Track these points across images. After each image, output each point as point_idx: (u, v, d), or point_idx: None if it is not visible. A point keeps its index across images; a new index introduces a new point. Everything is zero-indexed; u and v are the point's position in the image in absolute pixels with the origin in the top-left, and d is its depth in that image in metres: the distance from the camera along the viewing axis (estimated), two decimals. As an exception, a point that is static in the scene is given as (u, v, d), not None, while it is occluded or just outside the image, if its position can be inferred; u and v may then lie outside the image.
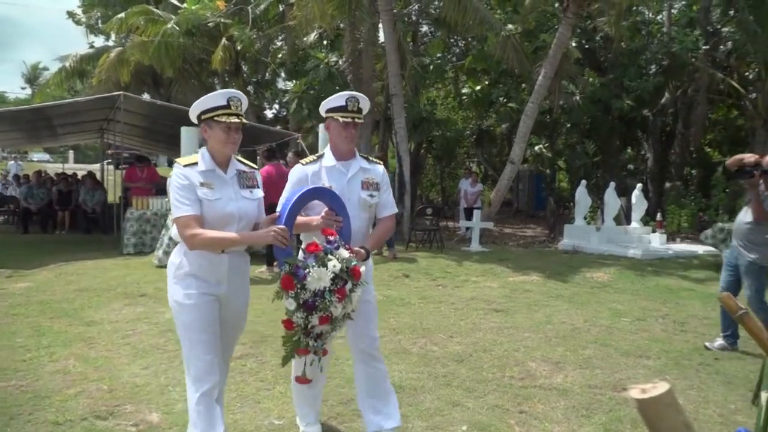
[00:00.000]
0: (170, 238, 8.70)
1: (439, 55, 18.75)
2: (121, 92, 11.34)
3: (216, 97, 2.75)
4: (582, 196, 12.39)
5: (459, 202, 15.49)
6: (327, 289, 2.63)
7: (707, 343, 5.31)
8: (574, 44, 14.21)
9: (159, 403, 3.86)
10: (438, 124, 18.52)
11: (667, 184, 17.90)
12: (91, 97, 12.69)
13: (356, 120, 3.11)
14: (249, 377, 4.35)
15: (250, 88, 20.31)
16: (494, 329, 5.79)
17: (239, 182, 2.83)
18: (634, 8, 16.23)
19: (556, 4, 14.35)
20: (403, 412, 3.74)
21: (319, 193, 2.98)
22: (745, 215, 5.10)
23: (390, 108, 14.06)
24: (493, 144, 22.90)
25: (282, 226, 2.71)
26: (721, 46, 16.39)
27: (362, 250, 2.96)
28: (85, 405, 3.79)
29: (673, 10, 18.77)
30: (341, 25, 14.85)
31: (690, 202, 16.04)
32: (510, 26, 13.87)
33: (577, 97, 16.09)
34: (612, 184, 12.62)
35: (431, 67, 17.45)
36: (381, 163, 3.37)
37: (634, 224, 12.49)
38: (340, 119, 3.08)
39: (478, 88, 17.42)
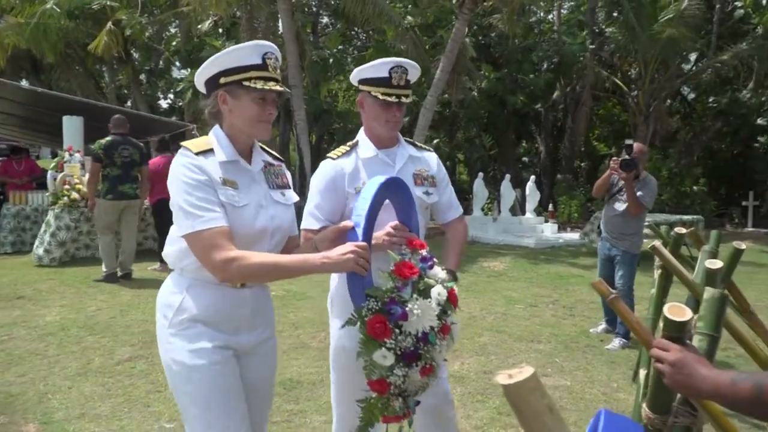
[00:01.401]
0: (51, 235, 8.12)
1: (339, 47, 18.71)
2: (-7, 78, 10.44)
3: (246, 52, 1.84)
4: (479, 188, 12.78)
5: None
6: (433, 328, 1.78)
7: (591, 329, 5.59)
8: (470, 40, 14.57)
9: (36, 412, 3.57)
10: (339, 116, 18.49)
11: (559, 176, 18.83)
12: (-42, 83, 11.61)
13: (402, 99, 2.26)
14: (138, 380, 4.12)
15: (142, 76, 19.39)
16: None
17: (267, 180, 1.97)
18: (527, 7, 16.88)
19: (454, 1, 14.66)
20: (301, 408, 3.69)
21: (395, 187, 2.01)
22: (612, 209, 5.30)
23: (290, 100, 13.86)
24: (395, 137, 23.14)
25: (362, 243, 1.78)
26: (606, 46, 17.39)
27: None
28: (-52, 419, 3.45)
29: (562, 11, 19.73)
30: (238, 13, 14.46)
31: (579, 193, 16.95)
32: (410, 18, 14.03)
33: (475, 92, 16.57)
34: (508, 177, 13.11)
35: (331, 59, 17.39)
36: (432, 149, 2.55)
37: (528, 215, 13.03)
38: (380, 96, 2.23)
39: (379, 79, 17.53)
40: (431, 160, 2.46)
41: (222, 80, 1.84)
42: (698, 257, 2.36)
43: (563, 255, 10.34)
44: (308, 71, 14.72)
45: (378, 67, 2.26)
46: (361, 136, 2.39)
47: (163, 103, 23.06)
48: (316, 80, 16.66)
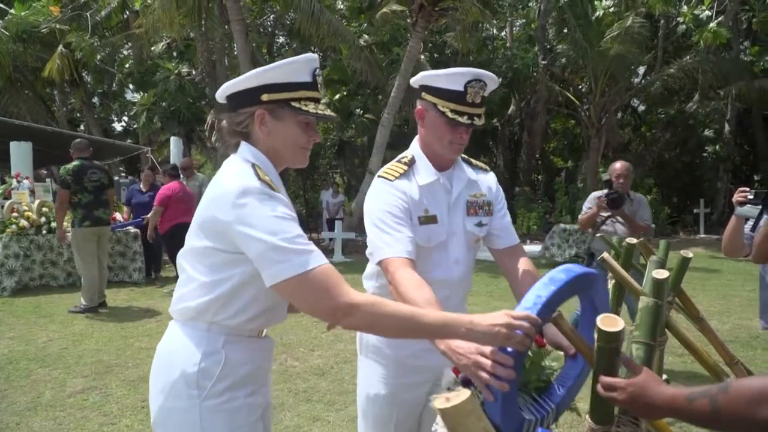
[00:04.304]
0: (0, 265, 7.84)
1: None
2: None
3: (298, 67, 1.57)
4: (439, 203, 12.86)
5: (322, 214, 15.53)
6: None
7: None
8: (425, 58, 14.76)
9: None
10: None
11: (517, 189, 19.13)
12: None
13: (475, 121, 1.89)
14: (91, 413, 3.99)
15: (95, 99, 19.00)
16: (356, 339, 5.79)
17: None
18: (480, 24, 17.21)
19: (408, 20, 14.87)
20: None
21: (590, 283, 1.51)
22: (613, 233, 5.04)
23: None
24: (355, 155, 23.21)
25: (524, 314, 1.33)
26: (557, 62, 17.83)
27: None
28: None
29: (514, 28, 20.19)
30: (192, 35, 14.36)
31: (537, 205, 17.22)
32: (366, 36, 14.14)
33: (431, 108, 16.77)
34: (466, 191, 13.23)
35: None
36: (489, 169, 2.17)
37: (488, 228, 13.14)
38: (449, 114, 1.87)
39: (337, 97, 17.61)
40: (489, 181, 2.09)
41: (265, 97, 1.54)
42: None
43: (523, 267, 10.47)
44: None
45: (453, 77, 1.87)
46: (418, 153, 2.01)
47: (118, 126, 22.66)
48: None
